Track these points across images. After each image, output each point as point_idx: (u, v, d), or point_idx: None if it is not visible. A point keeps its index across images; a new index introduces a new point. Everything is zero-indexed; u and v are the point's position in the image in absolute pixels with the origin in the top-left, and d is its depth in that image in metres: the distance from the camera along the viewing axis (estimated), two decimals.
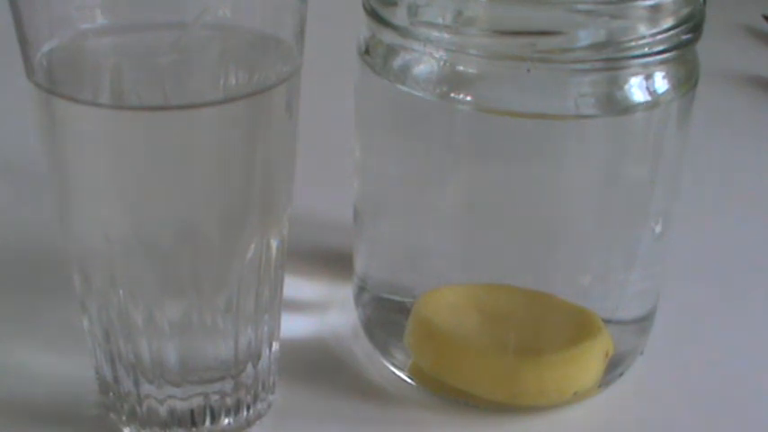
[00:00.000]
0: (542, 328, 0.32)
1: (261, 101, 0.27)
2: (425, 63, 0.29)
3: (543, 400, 0.31)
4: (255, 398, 0.31)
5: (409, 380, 0.33)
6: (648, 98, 0.29)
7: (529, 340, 0.31)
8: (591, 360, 0.31)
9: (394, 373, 0.34)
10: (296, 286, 0.35)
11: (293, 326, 0.35)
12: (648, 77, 0.28)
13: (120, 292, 0.28)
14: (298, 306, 0.37)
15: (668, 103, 0.29)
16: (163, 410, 0.30)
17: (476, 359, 0.31)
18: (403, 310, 0.33)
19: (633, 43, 0.28)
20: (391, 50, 0.30)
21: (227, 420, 0.31)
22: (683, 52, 0.29)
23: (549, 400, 0.31)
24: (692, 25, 0.29)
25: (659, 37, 0.28)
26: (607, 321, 0.32)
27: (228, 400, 0.31)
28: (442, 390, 0.33)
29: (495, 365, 0.31)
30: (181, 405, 0.30)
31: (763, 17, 0.69)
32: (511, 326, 0.31)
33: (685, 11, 0.28)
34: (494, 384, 0.31)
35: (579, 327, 0.31)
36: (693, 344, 0.36)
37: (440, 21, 0.28)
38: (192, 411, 0.30)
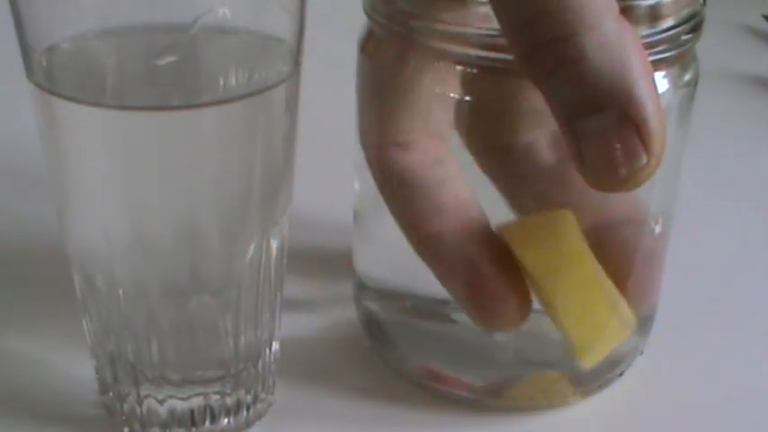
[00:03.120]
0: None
1: (261, 101, 0.27)
2: (424, 63, 0.29)
3: None
4: (255, 398, 0.31)
5: (410, 379, 0.33)
6: None
7: None
8: None
9: (394, 372, 0.34)
10: (296, 286, 0.36)
11: (293, 326, 0.35)
12: None
13: (121, 291, 0.28)
14: (298, 306, 0.37)
15: (668, 103, 0.29)
16: (163, 410, 0.30)
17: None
18: (403, 310, 0.33)
19: None
20: (390, 50, 0.30)
21: (226, 420, 0.31)
22: (683, 52, 0.29)
23: None
24: (693, 25, 0.29)
25: (659, 37, 0.28)
26: None
27: (228, 400, 0.31)
28: (439, 387, 0.33)
29: None
30: (181, 405, 0.30)
31: (763, 17, 0.69)
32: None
33: (685, 11, 0.28)
34: None
35: None
36: (693, 343, 0.36)
37: (439, 21, 0.28)
38: (191, 411, 0.30)
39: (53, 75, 0.26)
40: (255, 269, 0.29)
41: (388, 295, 0.34)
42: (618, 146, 0.24)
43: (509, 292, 0.29)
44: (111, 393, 0.31)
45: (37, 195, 0.42)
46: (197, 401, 0.30)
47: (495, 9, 0.25)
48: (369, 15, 0.30)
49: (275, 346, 0.32)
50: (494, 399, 0.32)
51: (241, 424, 0.31)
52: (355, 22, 0.31)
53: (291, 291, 0.32)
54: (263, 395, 0.32)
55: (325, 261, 0.39)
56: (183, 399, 0.30)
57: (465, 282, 0.29)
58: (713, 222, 0.44)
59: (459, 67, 0.28)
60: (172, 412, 0.30)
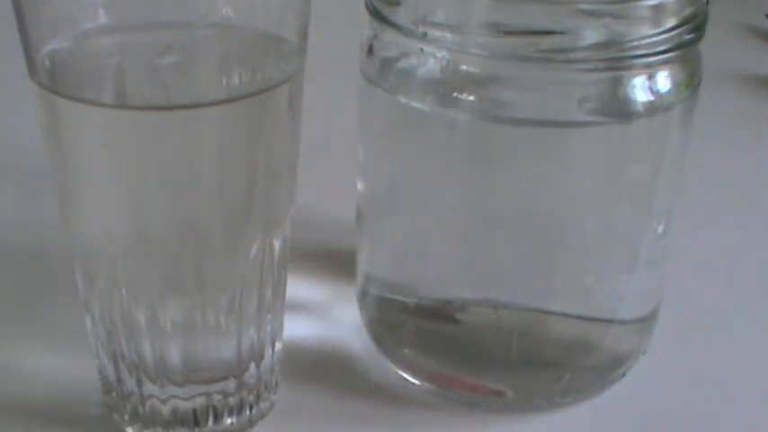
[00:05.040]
0: None
1: (264, 100, 0.27)
2: (428, 62, 0.29)
3: None
4: (258, 398, 0.31)
5: (412, 379, 0.33)
6: (651, 98, 0.29)
7: None
8: None
9: (397, 372, 0.34)
10: (299, 286, 0.35)
11: (296, 326, 0.35)
12: (651, 77, 0.28)
13: (123, 291, 0.28)
14: (301, 306, 0.37)
15: (671, 103, 0.29)
16: (166, 410, 0.30)
17: None
18: (406, 310, 0.33)
19: (636, 43, 0.28)
20: (394, 50, 0.30)
21: (229, 420, 0.31)
22: (685, 52, 0.29)
23: None
24: (695, 25, 0.29)
25: (662, 37, 0.28)
26: (609, 321, 0.32)
27: (231, 400, 0.31)
28: (442, 387, 0.33)
29: None
30: (183, 405, 0.30)
31: (765, 16, 0.69)
32: None
33: (688, 11, 0.28)
34: None
35: None
36: (696, 343, 0.36)
37: (442, 20, 0.28)
38: (194, 411, 0.30)
39: (56, 74, 0.26)
40: (258, 269, 0.29)
41: (391, 295, 0.34)
42: None
43: None
44: (113, 393, 0.31)
45: (40, 195, 0.42)
46: (200, 401, 0.30)
47: None
48: (372, 15, 0.30)
49: (278, 345, 0.32)
50: (495, 398, 0.32)
51: (244, 424, 0.31)
52: (358, 21, 0.31)
53: (294, 291, 0.32)
54: (265, 395, 0.32)
55: (329, 261, 0.39)
56: (185, 399, 0.30)
57: None
58: (716, 222, 0.44)
59: (462, 67, 0.28)
60: (174, 412, 0.30)
